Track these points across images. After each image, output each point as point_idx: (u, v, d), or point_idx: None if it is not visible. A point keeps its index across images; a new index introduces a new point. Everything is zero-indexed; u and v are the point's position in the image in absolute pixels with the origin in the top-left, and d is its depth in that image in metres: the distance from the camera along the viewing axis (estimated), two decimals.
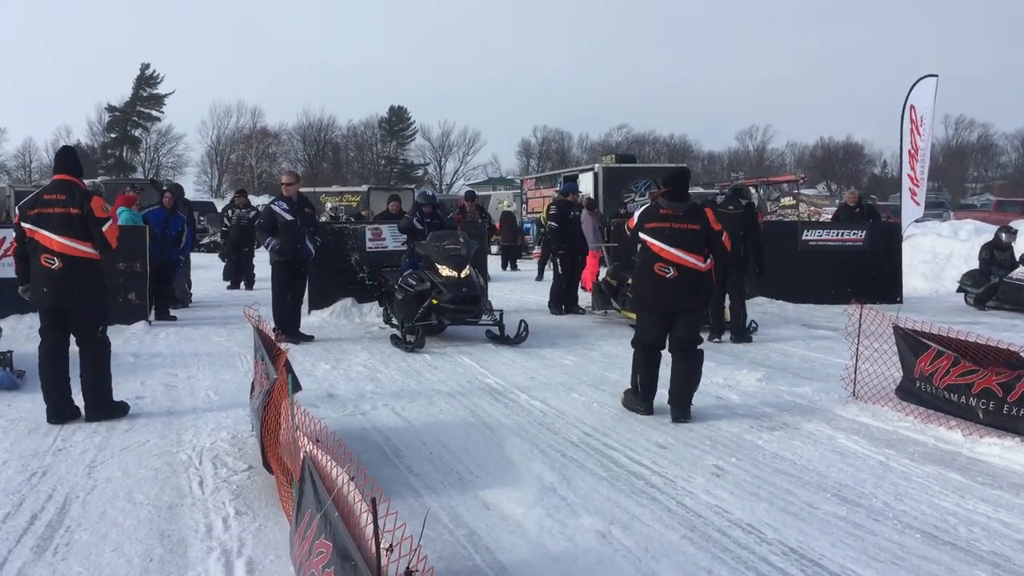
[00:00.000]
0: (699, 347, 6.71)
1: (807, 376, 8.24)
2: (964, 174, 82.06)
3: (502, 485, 5.11)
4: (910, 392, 6.69)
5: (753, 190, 31.26)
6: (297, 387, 4.55)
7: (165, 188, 13.34)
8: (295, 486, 3.89)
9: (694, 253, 6.59)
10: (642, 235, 6.73)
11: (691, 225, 6.63)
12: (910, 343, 6.72)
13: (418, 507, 4.72)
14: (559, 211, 14.08)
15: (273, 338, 5.51)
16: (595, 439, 6.13)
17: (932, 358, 6.47)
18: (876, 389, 7.01)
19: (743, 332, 10.32)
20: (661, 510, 4.69)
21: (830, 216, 19.84)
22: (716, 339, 10.23)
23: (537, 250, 25.70)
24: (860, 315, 7.16)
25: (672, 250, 6.54)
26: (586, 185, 23.27)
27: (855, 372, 7.20)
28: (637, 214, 6.91)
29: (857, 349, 7.16)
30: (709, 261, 6.68)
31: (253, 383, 5.88)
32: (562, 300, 13.52)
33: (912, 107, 20.49)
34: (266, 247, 10.34)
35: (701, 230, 6.65)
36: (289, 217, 10.36)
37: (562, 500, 4.84)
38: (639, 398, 6.77)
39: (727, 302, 10.46)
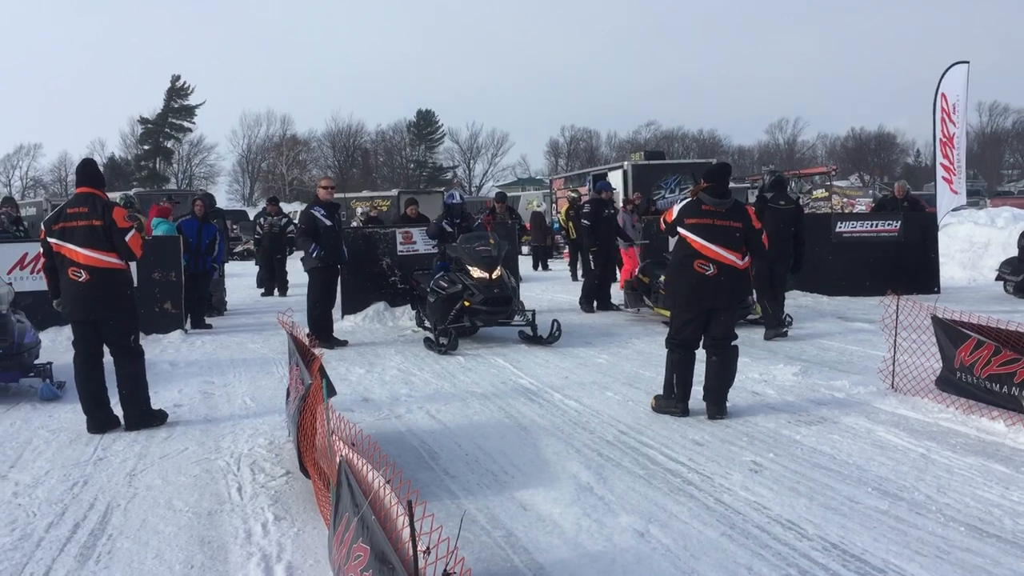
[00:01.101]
0: (734, 343, 6.65)
1: (844, 369, 8.14)
2: (1000, 160, 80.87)
3: (538, 485, 5.09)
4: (950, 383, 6.59)
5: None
6: (332, 392, 4.58)
7: (196, 198, 13.46)
8: (332, 490, 3.91)
9: (734, 251, 6.51)
10: (682, 231, 6.62)
11: (733, 223, 6.55)
12: (949, 333, 6.63)
13: (455, 509, 4.73)
14: (593, 209, 14.03)
15: (307, 343, 5.55)
16: (631, 437, 6.10)
17: (972, 348, 6.37)
18: (915, 381, 6.92)
19: (779, 326, 10.22)
20: (699, 507, 4.66)
21: (865, 207, 19.61)
22: (777, 336, 10.05)
23: (567, 250, 25.74)
24: (897, 306, 7.06)
25: (713, 247, 6.46)
26: (616, 183, 23.17)
27: (893, 364, 7.10)
28: (676, 208, 6.78)
29: (895, 341, 7.06)
30: (747, 259, 6.61)
31: (288, 388, 5.92)
32: (594, 297, 13.48)
33: (943, 95, 20.24)
34: (311, 254, 10.37)
35: (743, 228, 6.58)
36: (328, 223, 10.45)
37: (599, 499, 4.82)
38: (675, 399, 6.65)
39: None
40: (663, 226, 7.01)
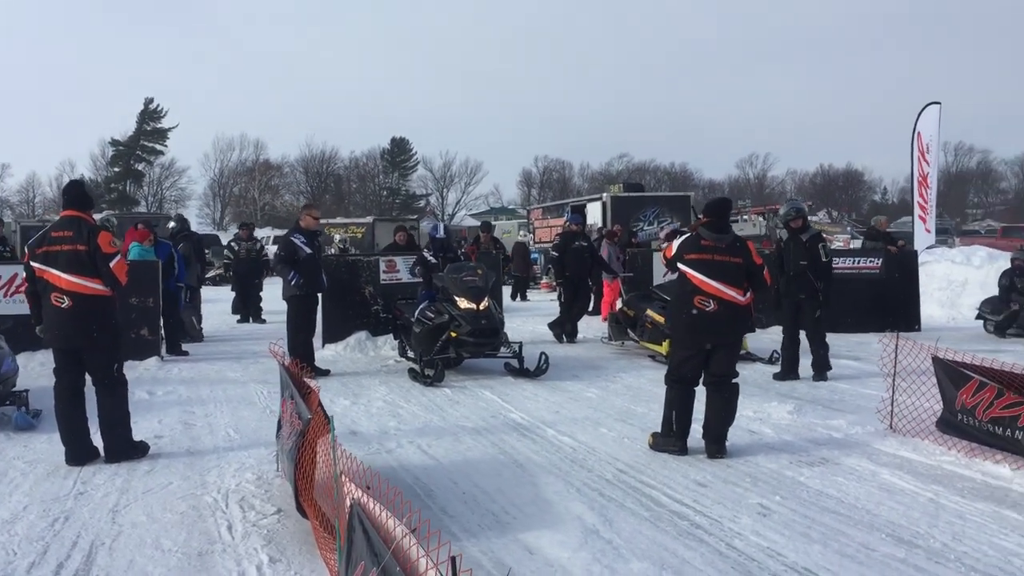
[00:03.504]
0: (735, 380, 6.55)
1: (838, 408, 8.06)
2: (964, 200, 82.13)
3: (542, 527, 4.93)
4: (951, 425, 6.51)
5: (761, 218, 31.22)
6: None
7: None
8: (338, 534, 3.72)
9: (735, 287, 6.41)
10: (682, 266, 6.52)
11: (733, 258, 6.46)
12: (951, 374, 6.56)
13: (456, 551, 4.53)
14: (562, 241, 14.02)
15: (300, 374, 5.36)
16: (630, 476, 5.95)
17: (975, 390, 6.31)
18: (914, 422, 6.84)
19: (824, 368, 9.77)
20: (712, 553, 4.51)
21: (843, 244, 19.72)
22: (789, 378, 9.65)
23: (546, 280, 25.64)
24: (896, 346, 6.99)
25: (713, 283, 6.36)
26: (595, 214, 23.17)
27: (892, 404, 7.02)
28: (676, 244, 6.68)
29: (894, 381, 6.99)
30: (749, 295, 6.51)
31: (280, 421, 5.71)
32: (565, 329, 13.41)
33: (919, 134, 20.52)
34: (291, 282, 10.14)
35: (743, 263, 6.49)
36: (308, 250, 10.24)
37: (607, 543, 4.66)
38: (674, 437, 6.50)
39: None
40: (664, 262, 6.91)
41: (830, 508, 5.23)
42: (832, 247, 24.46)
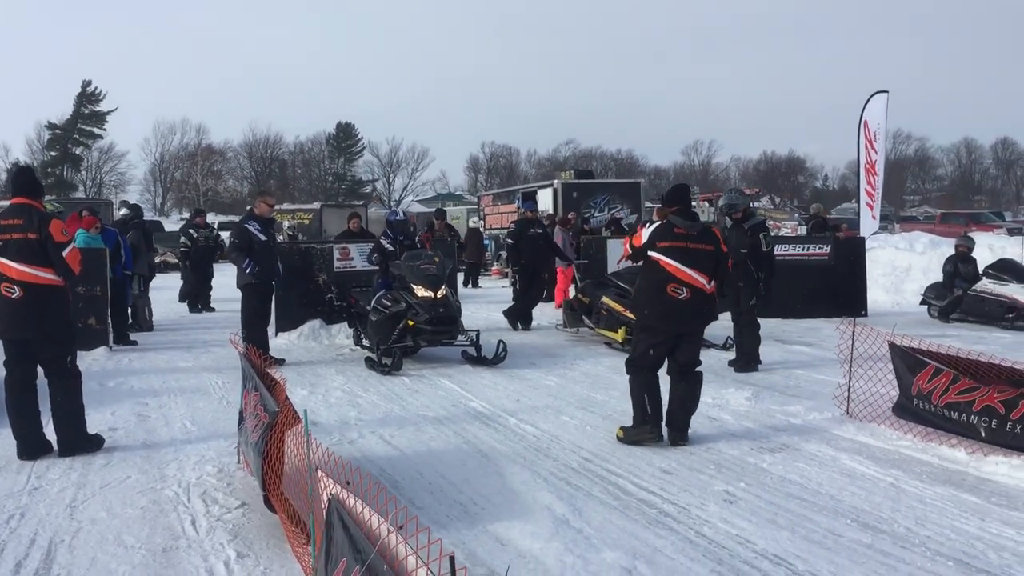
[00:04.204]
0: (698, 369, 6.58)
1: (794, 394, 8.16)
2: (902, 187, 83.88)
3: (511, 518, 4.91)
4: (907, 410, 6.63)
5: (708, 204, 31.51)
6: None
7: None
8: (312, 529, 3.67)
9: (705, 274, 6.43)
10: (653, 254, 6.48)
11: (705, 245, 6.49)
12: (907, 360, 6.68)
13: (425, 542, 4.49)
14: (517, 228, 14.02)
15: (263, 364, 5.27)
16: (596, 464, 5.96)
17: (930, 375, 6.42)
18: (870, 407, 6.95)
19: (749, 361, 9.62)
20: (682, 541, 4.54)
21: (791, 230, 19.97)
22: (748, 370, 9.43)
23: (497, 267, 25.59)
24: (853, 333, 7.10)
25: (688, 270, 6.35)
26: (546, 201, 23.14)
27: (848, 390, 7.13)
28: (647, 232, 6.62)
29: (850, 367, 7.09)
30: (713, 283, 6.54)
31: (242, 413, 5.61)
32: (519, 317, 13.40)
33: (866, 122, 20.85)
34: (245, 269, 9.95)
35: (713, 251, 6.53)
36: (263, 238, 10.07)
37: (578, 533, 4.66)
38: (649, 425, 6.44)
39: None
40: (628, 251, 6.87)
41: (794, 494, 5.29)
42: (781, 234, 24.88)
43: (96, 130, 75.79)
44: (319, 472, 3.50)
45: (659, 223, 6.67)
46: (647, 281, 6.61)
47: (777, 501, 5.17)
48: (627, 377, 6.65)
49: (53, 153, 74.65)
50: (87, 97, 75.38)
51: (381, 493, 2.94)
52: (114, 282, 11.67)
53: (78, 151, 75.59)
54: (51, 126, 74.31)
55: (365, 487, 3.09)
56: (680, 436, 6.44)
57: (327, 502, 3.31)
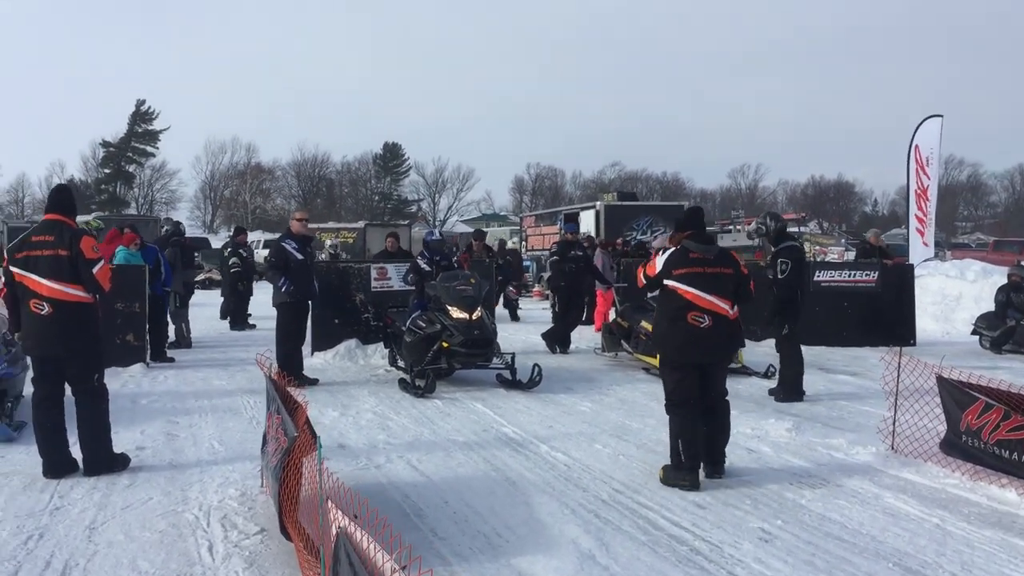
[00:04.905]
0: (726, 399, 6.35)
1: (837, 426, 7.88)
2: (954, 214, 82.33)
3: (536, 551, 4.74)
4: (955, 447, 6.34)
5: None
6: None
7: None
8: (323, 561, 3.53)
9: (727, 299, 6.16)
10: (670, 283, 6.17)
11: (724, 269, 6.22)
12: (955, 395, 6.39)
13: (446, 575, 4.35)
14: (559, 249, 13.91)
15: (287, 387, 5.17)
16: (626, 496, 5.77)
17: (980, 411, 6.14)
18: (916, 442, 6.67)
19: (792, 392, 9.27)
20: None
21: (837, 256, 19.59)
22: (791, 400, 9.09)
23: (538, 288, 25.42)
24: (899, 364, 6.83)
25: (708, 297, 6.07)
26: (588, 223, 23.00)
27: (894, 424, 6.86)
28: (660, 260, 6.29)
29: (896, 400, 6.82)
30: (736, 308, 6.27)
31: (265, 436, 5.51)
32: (558, 340, 13.24)
33: (917, 147, 20.41)
34: (281, 288, 9.93)
35: (733, 274, 6.27)
36: (300, 256, 10.05)
37: (604, 570, 4.47)
38: (684, 471, 6.03)
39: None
40: (642, 281, 6.55)
41: (833, 534, 5.05)
42: (827, 259, 24.44)
43: (149, 148, 77.37)
44: (329, 503, 3.37)
45: (673, 249, 6.31)
46: (663, 312, 6.31)
47: (815, 541, 4.93)
48: (663, 404, 6.41)
49: (107, 170, 76.26)
50: (141, 116, 76.97)
51: (387, 530, 2.80)
52: (153, 299, 11.70)
53: (131, 169, 77.10)
54: (106, 144, 75.99)
55: (373, 523, 2.95)
56: (715, 469, 6.20)
57: (335, 535, 3.18)
